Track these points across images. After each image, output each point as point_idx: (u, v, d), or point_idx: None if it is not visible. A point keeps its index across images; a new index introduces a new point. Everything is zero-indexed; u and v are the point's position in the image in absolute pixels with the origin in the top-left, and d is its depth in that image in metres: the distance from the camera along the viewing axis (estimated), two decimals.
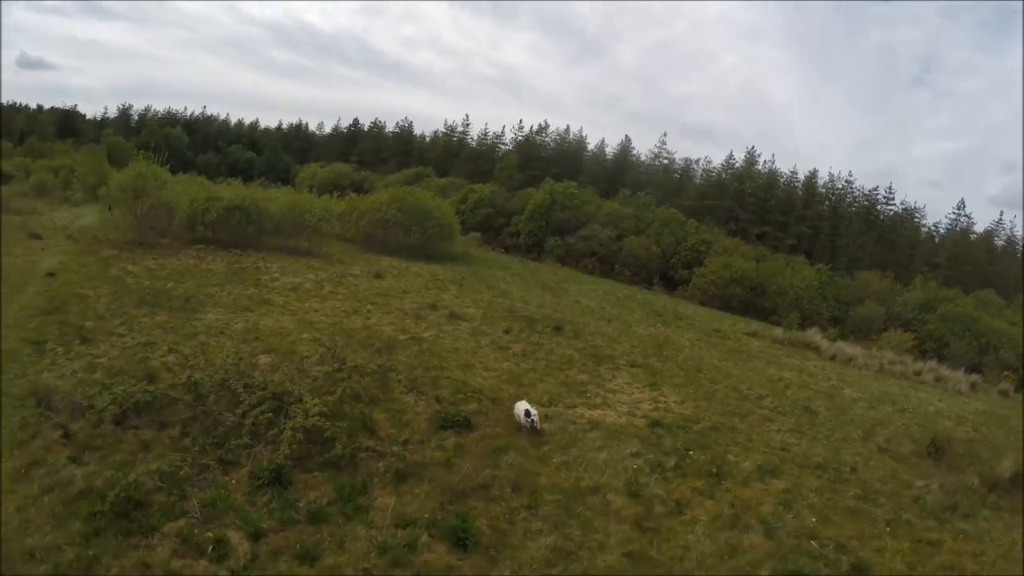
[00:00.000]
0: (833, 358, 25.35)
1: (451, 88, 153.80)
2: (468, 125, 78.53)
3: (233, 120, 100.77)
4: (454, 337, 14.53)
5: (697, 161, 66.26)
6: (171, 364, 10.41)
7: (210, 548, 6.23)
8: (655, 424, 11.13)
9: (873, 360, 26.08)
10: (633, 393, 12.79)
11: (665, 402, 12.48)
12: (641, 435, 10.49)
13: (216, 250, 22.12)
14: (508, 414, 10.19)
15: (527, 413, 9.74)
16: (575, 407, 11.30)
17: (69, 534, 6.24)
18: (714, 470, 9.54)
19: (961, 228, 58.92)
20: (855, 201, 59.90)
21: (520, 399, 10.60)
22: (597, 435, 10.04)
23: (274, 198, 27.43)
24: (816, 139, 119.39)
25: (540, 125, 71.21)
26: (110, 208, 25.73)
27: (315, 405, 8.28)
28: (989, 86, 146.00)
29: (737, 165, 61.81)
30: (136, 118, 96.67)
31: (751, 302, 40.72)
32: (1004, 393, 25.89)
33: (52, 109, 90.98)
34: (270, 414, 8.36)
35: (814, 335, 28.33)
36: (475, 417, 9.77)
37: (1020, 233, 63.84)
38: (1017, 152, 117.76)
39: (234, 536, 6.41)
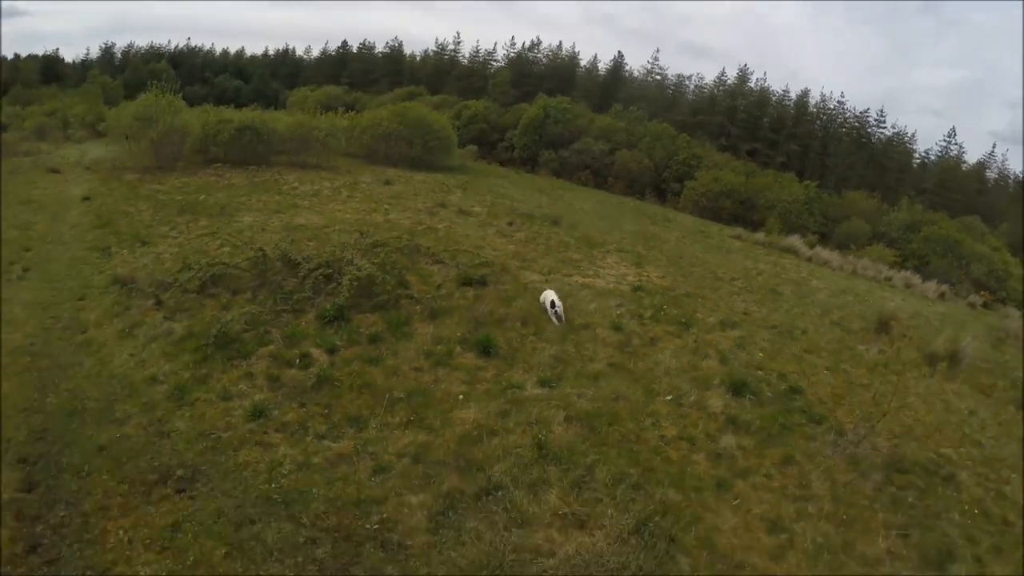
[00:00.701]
0: (809, 260, 27.60)
1: (442, 6, 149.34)
2: (459, 43, 77.84)
3: (218, 50, 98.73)
4: (464, 228, 16.65)
5: (689, 77, 66.57)
6: (228, 252, 12.53)
7: (297, 360, 8.55)
8: (637, 288, 13.46)
9: (848, 265, 28.30)
10: (620, 269, 15.07)
11: (647, 276, 14.77)
12: (625, 295, 12.83)
13: (232, 168, 23.82)
14: (516, 277, 12.49)
15: (552, 304, 10.56)
16: (571, 276, 13.60)
17: (182, 363, 8.52)
18: (683, 320, 11.88)
19: (952, 156, 60.04)
20: (846, 122, 60.82)
21: (525, 270, 12.90)
22: (589, 293, 12.39)
23: (279, 119, 28.88)
24: (816, 62, 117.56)
25: (533, 42, 70.96)
26: (127, 137, 27.20)
27: (364, 265, 10.49)
28: (1000, 21, 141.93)
29: (729, 82, 62.40)
30: (119, 56, 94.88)
31: (740, 215, 42.64)
32: (972, 305, 27.88)
33: (32, 56, 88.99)
34: (326, 275, 10.56)
35: (794, 240, 30.44)
36: (489, 278, 12.01)
37: (1012, 166, 64.95)
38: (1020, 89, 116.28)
39: (314, 351, 8.77)
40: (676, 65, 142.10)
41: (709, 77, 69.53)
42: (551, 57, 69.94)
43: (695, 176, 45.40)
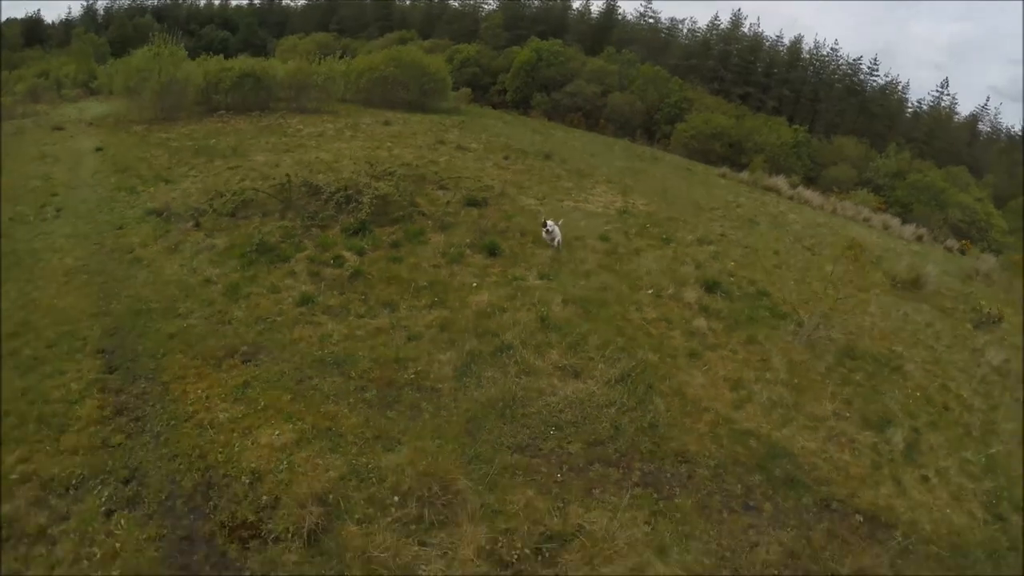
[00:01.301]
0: (791, 198, 28.73)
1: None
2: None
3: (202, 1, 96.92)
4: (463, 161, 17.83)
5: (683, 21, 66.47)
6: (251, 183, 13.72)
7: (332, 261, 9.95)
8: (624, 212, 14.83)
9: (828, 205, 29.45)
10: (608, 197, 16.36)
11: (633, 203, 16.08)
12: (612, 217, 14.22)
13: (235, 115, 24.67)
14: (513, 200, 13.82)
15: (546, 228, 11.19)
16: (563, 201, 14.93)
17: (230, 268, 9.87)
18: (664, 236, 13.28)
19: (944, 107, 60.44)
20: (838, 69, 61.07)
21: (521, 195, 14.22)
22: (579, 214, 13.79)
23: (277, 66, 29.53)
24: (816, 9, 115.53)
25: None
26: (130, 89, 27.81)
27: (380, 186, 11.80)
28: None
29: (723, 26, 62.31)
30: (102, 13, 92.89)
31: (730, 157, 43.45)
32: (948, 249, 28.95)
33: (12, 20, 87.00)
34: (345, 197, 11.84)
35: (778, 180, 31.50)
36: (490, 200, 13.35)
37: (1005, 120, 65.33)
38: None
39: (345, 254, 10.18)
40: (669, 9, 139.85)
41: (702, 21, 69.39)
42: (543, 0, 69.39)
43: (686, 119, 46.11)
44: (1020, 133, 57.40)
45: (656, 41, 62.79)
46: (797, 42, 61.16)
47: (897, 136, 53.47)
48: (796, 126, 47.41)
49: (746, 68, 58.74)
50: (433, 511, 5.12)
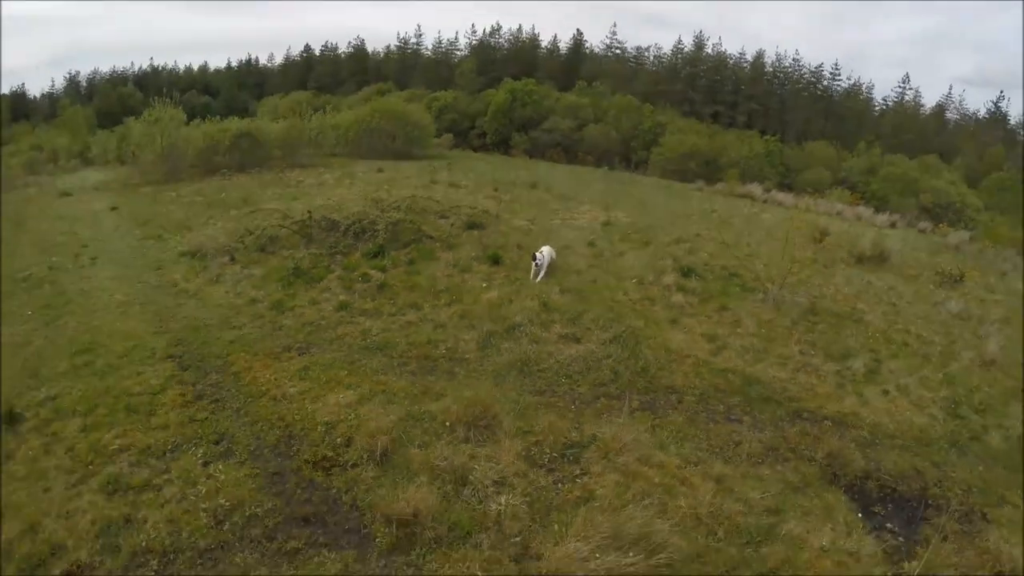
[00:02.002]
0: (765, 202, 30.63)
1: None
2: (421, 35, 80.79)
3: (181, 67, 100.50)
4: (457, 195, 19.60)
5: (648, 49, 70.11)
6: (273, 223, 15.39)
7: (359, 278, 11.58)
8: (607, 224, 16.57)
9: (801, 204, 31.29)
10: (592, 214, 18.08)
11: (615, 216, 17.80)
12: (596, 229, 15.95)
13: (236, 173, 26.54)
14: (508, 222, 15.56)
15: (534, 257, 11.92)
16: (552, 219, 16.70)
17: (272, 289, 11.49)
18: (645, 240, 14.99)
19: (908, 101, 63.73)
20: (801, 78, 64.53)
21: (514, 218, 15.96)
22: (567, 229, 15.57)
23: (270, 125, 31.66)
24: (776, 21, 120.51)
25: (493, 27, 73.97)
26: (134, 154, 29.86)
27: (391, 215, 13.52)
28: None
29: (687, 50, 65.91)
30: (85, 84, 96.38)
31: (705, 174, 45.73)
32: (922, 231, 30.69)
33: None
34: (359, 230, 13.54)
35: (752, 187, 33.46)
36: (487, 224, 15.06)
37: (970, 106, 68.54)
38: (987, 32, 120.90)
39: (370, 271, 11.84)
40: (634, 37, 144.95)
41: (667, 46, 72.93)
42: (512, 41, 72.97)
43: (660, 143, 48.50)
44: (986, 116, 60.43)
45: (624, 71, 66.04)
46: (760, 56, 64.72)
47: (867, 134, 56.16)
48: (767, 137, 49.86)
49: (713, 87, 61.91)
50: (478, 433, 6.61)
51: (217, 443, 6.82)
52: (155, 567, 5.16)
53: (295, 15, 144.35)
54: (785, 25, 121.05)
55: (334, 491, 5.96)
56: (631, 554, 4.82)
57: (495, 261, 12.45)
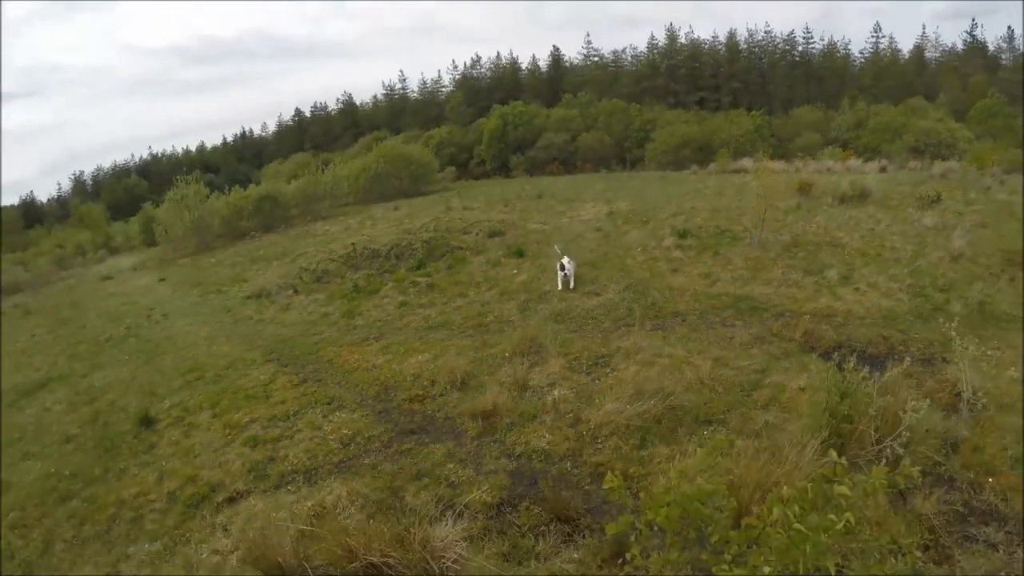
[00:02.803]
0: (758, 172, 32.66)
1: (372, 49, 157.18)
2: (405, 80, 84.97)
3: (180, 151, 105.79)
4: (473, 214, 22.12)
5: (624, 51, 73.30)
6: (320, 261, 17.90)
7: (410, 284, 13.99)
8: (610, 213, 18.94)
9: (792, 168, 33.31)
10: (595, 209, 20.54)
11: (617, 207, 20.19)
12: (602, 218, 18.34)
13: (263, 233, 29.34)
14: (523, 228, 18.00)
15: (561, 267, 12.60)
16: (560, 218, 19.19)
17: (338, 305, 13.95)
18: (644, 220, 17.32)
19: (883, 50, 65.82)
20: (776, 48, 67.03)
21: (528, 223, 18.38)
22: (575, 223, 18.06)
23: (284, 186, 34.71)
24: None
25: (473, 59, 77.72)
26: (166, 232, 32.95)
27: (426, 235, 16.00)
28: None
29: (661, 44, 68.80)
30: (91, 182, 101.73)
31: (700, 160, 48.12)
32: (913, 169, 32.50)
33: (10, 206, 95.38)
34: (398, 254, 16.02)
35: (743, 161, 35.57)
36: (506, 230, 17.52)
37: (946, 40, 70.55)
38: None
39: (417, 279, 14.30)
40: (607, 42, 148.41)
41: (641, 45, 75.93)
42: (494, 69, 76.50)
43: (652, 138, 50.98)
44: (963, 48, 62.05)
45: (605, 77, 69.02)
46: (732, 36, 67.38)
47: (849, 90, 58.16)
48: (753, 112, 52.10)
49: (693, 75, 64.57)
50: (530, 357, 8.86)
51: (329, 403, 8.90)
52: (301, 481, 7.01)
53: (276, 86, 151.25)
54: (752, 5, 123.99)
55: (429, 412, 8.14)
56: (652, 402, 6.99)
57: (520, 254, 14.88)
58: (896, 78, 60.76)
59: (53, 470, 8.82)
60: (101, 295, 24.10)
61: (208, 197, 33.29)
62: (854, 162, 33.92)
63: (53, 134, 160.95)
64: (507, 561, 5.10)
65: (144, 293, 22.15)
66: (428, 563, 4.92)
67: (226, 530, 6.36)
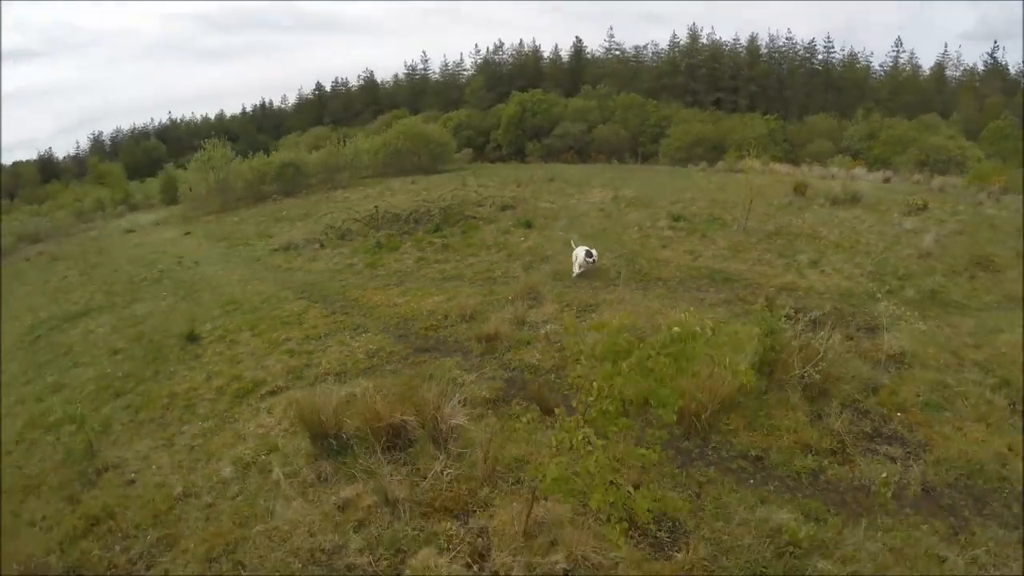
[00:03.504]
0: (762, 172, 34.06)
1: (394, 29, 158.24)
2: (427, 61, 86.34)
3: (199, 117, 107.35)
4: (487, 190, 23.78)
5: (645, 47, 74.47)
6: (344, 220, 19.56)
7: (427, 244, 15.71)
8: (615, 198, 20.52)
9: (798, 172, 34.66)
10: (603, 194, 22.14)
11: (622, 193, 21.79)
12: (606, 202, 19.94)
13: (284, 198, 30.99)
14: (533, 205, 19.59)
15: (589, 253, 12.75)
16: (569, 200, 20.77)
17: (362, 257, 15.61)
18: (645, 205, 18.95)
19: (903, 64, 66.79)
20: (796, 55, 68.16)
21: (538, 202, 19.99)
22: (582, 205, 19.67)
23: (308, 155, 36.38)
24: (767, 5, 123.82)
25: (496, 44, 79.01)
26: (190, 189, 34.74)
27: (443, 201, 17.62)
28: None
29: (682, 43, 69.97)
30: (109, 143, 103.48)
31: (712, 158, 49.45)
32: (916, 182, 33.82)
33: (27, 162, 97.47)
34: (416, 218, 17.67)
35: (751, 162, 36.95)
36: (517, 205, 19.15)
37: (967, 60, 71.22)
38: None
39: (434, 240, 15.95)
40: (631, 37, 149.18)
41: (663, 43, 77.14)
42: (516, 56, 77.81)
43: (667, 134, 52.33)
44: (984, 69, 62.99)
45: (626, 71, 70.19)
46: (753, 40, 68.38)
47: (866, 102, 59.24)
48: (768, 117, 53.34)
49: (713, 76, 65.72)
50: (530, 302, 10.51)
51: (356, 329, 10.58)
52: (333, 380, 8.51)
53: (296, 58, 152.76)
54: (775, 10, 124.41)
55: (442, 336, 9.84)
56: (625, 335, 8.61)
57: (528, 225, 16.58)
58: (914, 93, 61.70)
59: (108, 371, 10.47)
60: (127, 245, 25.61)
61: (232, 160, 35.02)
62: (859, 171, 35.08)
63: (70, 94, 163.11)
64: (500, 432, 6.71)
65: (171, 244, 23.62)
66: (437, 424, 6.59)
67: (270, 412, 8.01)
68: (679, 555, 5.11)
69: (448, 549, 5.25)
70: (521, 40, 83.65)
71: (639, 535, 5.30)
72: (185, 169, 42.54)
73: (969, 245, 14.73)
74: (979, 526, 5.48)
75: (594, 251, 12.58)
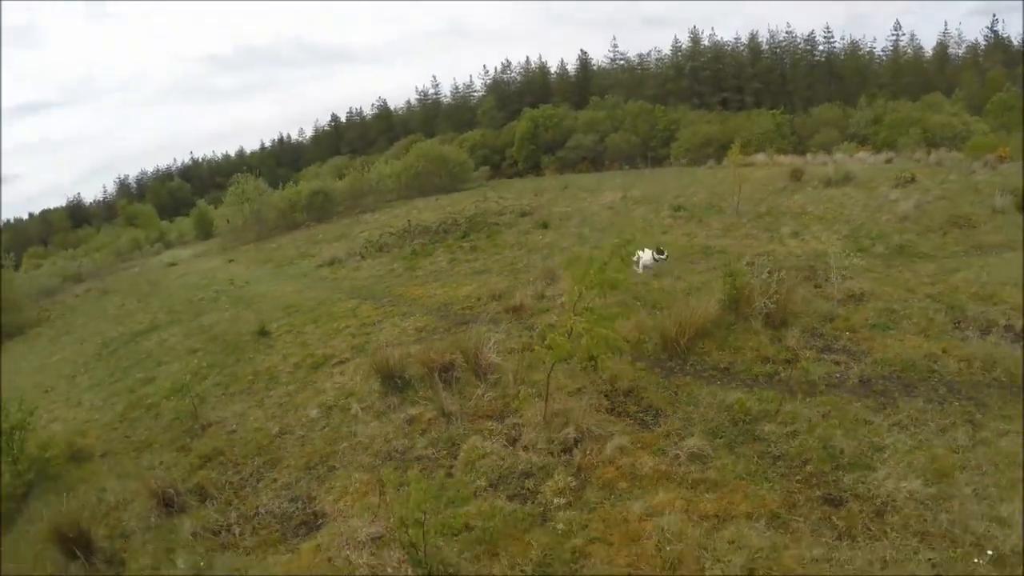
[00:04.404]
0: (767, 166, 35.78)
1: (404, 53, 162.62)
2: (438, 85, 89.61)
3: (219, 156, 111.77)
4: (507, 202, 26.03)
5: (649, 53, 76.79)
6: (381, 234, 21.87)
7: (457, 248, 18.02)
8: (623, 198, 22.60)
9: (800, 161, 36.23)
10: (612, 196, 24.27)
11: (631, 195, 23.85)
12: (616, 202, 22.05)
13: (315, 223, 33.53)
14: (550, 209, 21.75)
15: (659, 250, 12.94)
16: (582, 203, 22.90)
17: (401, 264, 17.90)
18: (651, 202, 20.93)
19: (903, 47, 68.03)
20: (797, 48, 69.83)
21: (554, 207, 22.10)
22: (594, 205, 21.77)
23: (334, 182, 39.12)
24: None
25: (503, 64, 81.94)
26: (227, 221, 37.56)
27: (465, 215, 19.87)
28: None
29: (684, 47, 72.10)
30: (134, 185, 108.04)
31: (720, 156, 51.03)
32: (918, 160, 35.02)
33: (56, 209, 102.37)
34: (445, 229, 19.93)
35: (757, 156, 38.57)
36: (535, 211, 21.32)
37: (968, 36, 71.98)
38: None
39: (463, 244, 18.14)
40: (634, 44, 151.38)
41: (666, 48, 79.27)
42: (524, 73, 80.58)
43: (677, 137, 54.16)
44: (985, 43, 63.74)
45: (631, 79, 72.48)
46: (754, 37, 70.25)
47: (869, 88, 60.48)
48: (773, 112, 54.90)
49: (716, 76, 67.58)
50: (547, 282, 12.59)
51: (404, 315, 12.83)
52: (386, 351, 10.41)
53: (312, 95, 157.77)
54: (775, 3, 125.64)
55: (476, 312, 11.97)
56: (625, 295, 10.62)
57: (545, 226, 18.83)
58: (916, 74, 62.86)
59: (194, 362, 12.53)
60: (174, 276, 28.13)
61: (264, 192, 37.81)
62: (864, 155, 36.38)
63: (89, 141, 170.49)
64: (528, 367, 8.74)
65: (218, 271, 26.03)
66: (479, 361, 8.69)
67: (342, 374, 10.18)
68: (659, 428, 7.10)
69: (490, 438, 7.33)
70: (527, 57, 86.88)
71: (629, 419, 7.33)
72: (216, 207, 45.54)
73: (949, 208, 16.00)
74: (904, 403, 7.01)
75: (665, 250, 12.96)
